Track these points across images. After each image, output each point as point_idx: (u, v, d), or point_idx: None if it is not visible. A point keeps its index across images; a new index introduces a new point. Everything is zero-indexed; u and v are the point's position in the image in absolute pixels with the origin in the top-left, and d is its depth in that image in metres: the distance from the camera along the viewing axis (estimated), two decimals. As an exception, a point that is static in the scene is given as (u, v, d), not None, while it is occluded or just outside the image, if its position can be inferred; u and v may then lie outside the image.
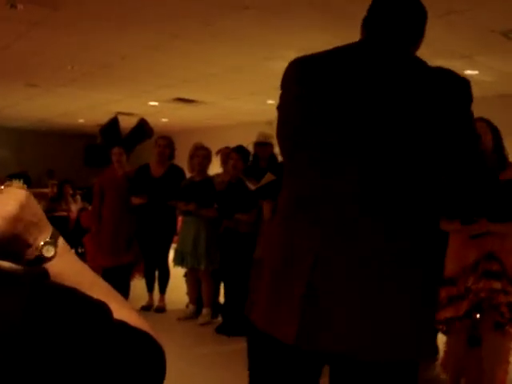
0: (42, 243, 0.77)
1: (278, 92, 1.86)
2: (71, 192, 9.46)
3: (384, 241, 1.61)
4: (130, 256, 5.85)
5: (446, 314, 3.48)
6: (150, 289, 6.24)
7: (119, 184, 5.89)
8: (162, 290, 6.19)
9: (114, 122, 6.26)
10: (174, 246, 6.08)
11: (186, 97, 9.50)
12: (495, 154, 3.45)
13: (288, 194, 1.80)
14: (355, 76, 1.69)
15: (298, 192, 1.74)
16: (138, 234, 5.99)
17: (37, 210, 0.78)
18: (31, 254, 0.76)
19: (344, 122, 1.65)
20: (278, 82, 1.88)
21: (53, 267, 0.75)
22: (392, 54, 1.74)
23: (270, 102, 8.38)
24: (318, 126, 1.69)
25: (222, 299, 5.75)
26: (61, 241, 0.80)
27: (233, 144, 5.78)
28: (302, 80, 1.76)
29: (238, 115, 10.99)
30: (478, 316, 3.37)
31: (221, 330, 5.24)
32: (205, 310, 5.70)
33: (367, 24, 1.83)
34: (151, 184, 5.87)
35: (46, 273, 0.69)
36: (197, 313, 5.83)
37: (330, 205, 1.64)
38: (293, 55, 1.89)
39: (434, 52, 6.00)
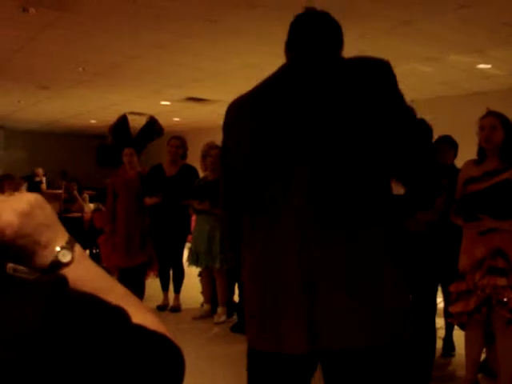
0: (58, 248, 0.77)
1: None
2: (75, 190, 9.45)
3: (350, 241, 1.70)
4: (144, 256, 5.87)
5: (457, 308, 3.49)
6: (165, 288, 6.26)
7: (132, 184, 5.91)
8: (177, 290, 6.20)
9: (123, 121, 6.27)
10: (188, 245, 6.08)
11: (198, 96, 9.51)
12: (506, 148, 3.43)
13: (256, 211, 1.88)
14: (289, 98, 1.80)
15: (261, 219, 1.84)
16: (152, 234, 6.01)
17: (50, 213, 0.79)
18: (45, 257, 0.76)
19: (291, 140, 1.76)
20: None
21: (70, 273, 0.75)
22: (316, 65, 1.84)
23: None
24: (269, 153, 1.80)
25: (236, 298, 5.76)
26: (77, 247, 0.80)
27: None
28: (243, 121, 1.90)
29: (249, 113, 10.95)
30: (484, 310, 3.36)
31: (236, 329, 5.24)
32: (220, 309, 5.71)
33: (290, 46, 1.95)
34: (165, 184, 5.88)
35: (65, 280, 0.69)
36: (212, 312, 5.83)
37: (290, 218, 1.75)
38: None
39: (446, 47, 5.97)
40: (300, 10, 1.98)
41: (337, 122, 1.72)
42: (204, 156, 5.83)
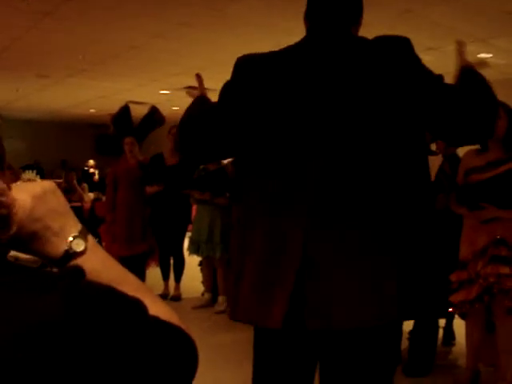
0: (72, 238, 0.77)
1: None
2: (74, 180, 9.44)
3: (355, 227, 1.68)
4: (145, 245, 5.87)
5: (458, 297, 3.50)
6: (166, 277, 6.27)
7: (133, 173, 5.89)
8: (178, 279, 6.22)
9: (125, 111, 6.24)
10: (189, 234, 6.09)
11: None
12: (510, 138, 3.41)
13: (257, 191, 1.82)
14: (304, 73, 1.74)
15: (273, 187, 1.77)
16: (153, 223, 6.01)
17: (63, 201, 0.80)
18: (58, 246, 0.76)
19: (300, 116, 1.72)
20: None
21: (85, 263, 0.74)
22: (335, 42, 1.78)
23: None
24: (275, 125, 1.75)
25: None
26: (90, 236, 0.80)
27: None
28: (252, 82, 1.82)
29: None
30: (486, 300, 3.37)
31: (237, 318, 5.25)
32: (220, 298, 5.73)
33: (308, 16, 1.88)
34: (165, 173, 5.87)
35: (82, 271, 0.69)
36: (212, 301, 5.85)
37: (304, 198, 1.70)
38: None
39: (447, 36, 5.96)
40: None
41: (356, 104, 1.67)
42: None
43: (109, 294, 0.68)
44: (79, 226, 0.79)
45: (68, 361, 0.58)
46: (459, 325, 4.24)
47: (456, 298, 3.53)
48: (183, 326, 0.79)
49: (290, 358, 1.88)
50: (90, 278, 0.71)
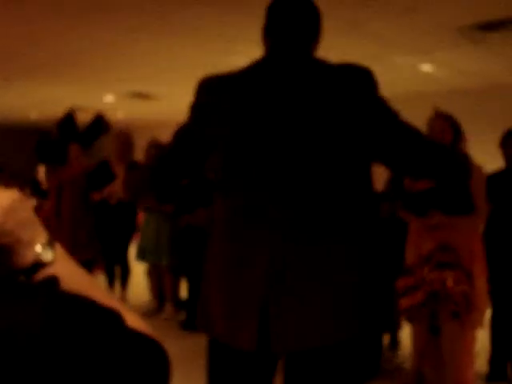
0: (40, 247, 0.75)
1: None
2: (17, 186, 9.21)
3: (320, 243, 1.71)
4: (90, 251, 5.78)
5: (405, 303, 3.57)
6: (111, 285, 6.19)
7: (78, 180, 5.81)
8: (124, 286, 6.16)
9: (70, 117, 6.16)
10: (136, 241, 6.04)
11: (144, 92, 9.40)
12: (454, 149, 3.52)
13: (227, 205, 1.84)
14: (263, 93, 1.78)
15: (237, 203, 1.80)
16: (98, 230, 5.93)
17: (30, 211, 0.76)
18: (26, 256, 0.73)
19: (258, 139, 1.75)
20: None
21: (54, 272, 0.73)
22: (297, 67, 1.82)
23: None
24: (236, 145, 1.79)
25: (183, 294, 5.78)
26: (58, 245, 0.78)
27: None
28: (213, 104, 1.84)
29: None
30: (431, 304, 3.46)
31: (185, 325, 5.23)
32: (167, 306, 5.70)
33: (269, 33, 1.88)
34: (112, 180, 5.79)
35: (56, 281, 0.68)
36: (159, 308, 5.81)
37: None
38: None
39: (391, 48, 6.11)
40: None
41: (310, 127, 1.72)
42: (146, 154, 5.73)
43: (86, 304, 0.67)
44: (46, 235, 0.77)
45: (45, 370, 0.58)
46: (405, 329, 4.34)
47: (403, 303, 3.61)
48: (156, 338, 0.79)
49: (249, 374, 1.87)
50: (62, 288, 0.70)
